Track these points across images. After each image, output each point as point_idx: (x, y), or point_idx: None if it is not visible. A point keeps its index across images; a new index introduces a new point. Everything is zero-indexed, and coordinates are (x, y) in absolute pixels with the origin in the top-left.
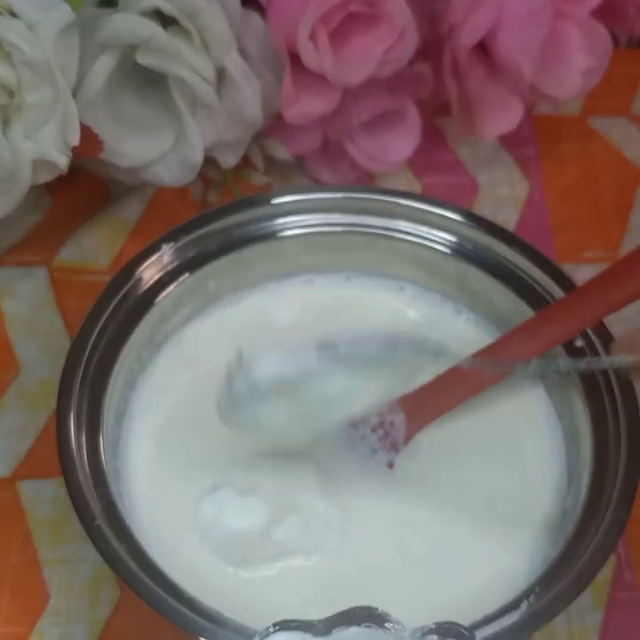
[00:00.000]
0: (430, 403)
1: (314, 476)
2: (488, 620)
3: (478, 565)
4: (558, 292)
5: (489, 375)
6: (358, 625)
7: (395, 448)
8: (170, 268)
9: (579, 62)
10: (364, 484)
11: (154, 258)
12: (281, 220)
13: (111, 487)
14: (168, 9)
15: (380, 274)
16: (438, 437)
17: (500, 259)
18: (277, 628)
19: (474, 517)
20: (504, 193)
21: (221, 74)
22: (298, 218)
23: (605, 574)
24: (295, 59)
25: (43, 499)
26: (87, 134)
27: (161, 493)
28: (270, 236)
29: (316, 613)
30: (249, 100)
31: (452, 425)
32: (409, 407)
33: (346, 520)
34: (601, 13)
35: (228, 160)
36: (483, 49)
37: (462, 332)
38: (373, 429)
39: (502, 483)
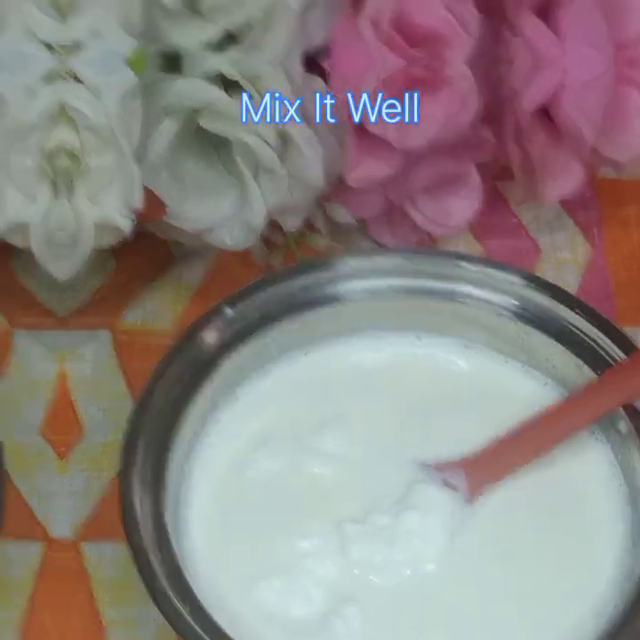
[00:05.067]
0: (493, 465)
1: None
2: None
3: (543, 627)
4: (620, 355)
5: (554, 436)
6: None
7: None
8: (232, 330)
9: None
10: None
11: (216, 320)
12: (344, 284)
13: (174, 549)
14: (231, 73)
15: (445, 333)
16: (501, 499)
17: (562, 321)
18: None
19: (538, 579)
20: (566, 256)
21: (284, 137)
22: (360, 281)
23: None
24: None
25: (106, 560)
26: (150, 198)
27: (220, 555)
28: (333, 299)
29: None
30: (311, 163)
31: (514, 485)
32: (471, 469)
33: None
34: None
35: (291, 223)
36: (545, 113)
37: (527, 394)
38: None
39: (567, 543)
